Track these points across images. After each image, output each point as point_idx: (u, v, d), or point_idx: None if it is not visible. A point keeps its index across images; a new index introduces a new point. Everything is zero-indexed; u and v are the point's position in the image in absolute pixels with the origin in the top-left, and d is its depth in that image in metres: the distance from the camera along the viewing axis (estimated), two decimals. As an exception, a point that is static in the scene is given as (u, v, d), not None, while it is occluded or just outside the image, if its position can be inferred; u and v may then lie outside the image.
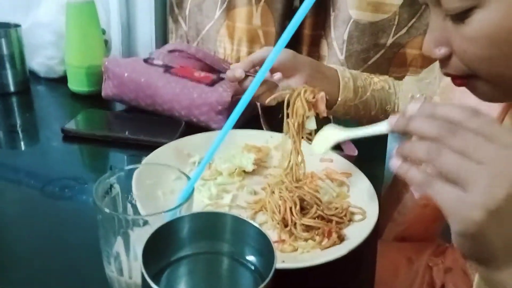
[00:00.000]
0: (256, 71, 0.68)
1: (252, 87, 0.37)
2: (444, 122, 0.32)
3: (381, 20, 0.77)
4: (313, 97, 0.55)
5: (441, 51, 0.43)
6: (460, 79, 0.45)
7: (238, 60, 0.99)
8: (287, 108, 0.56)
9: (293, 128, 0.56)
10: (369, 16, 0.76)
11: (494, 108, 0.54)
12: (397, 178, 0.76)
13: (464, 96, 0.60)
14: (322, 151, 0.49)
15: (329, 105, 0.72)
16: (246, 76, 0.66)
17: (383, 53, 0.81)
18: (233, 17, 0.94)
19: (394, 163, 0.35)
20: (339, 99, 0.71)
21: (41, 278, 0.46)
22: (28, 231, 0.53)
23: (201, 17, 0.98)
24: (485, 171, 0.30)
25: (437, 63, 0.73)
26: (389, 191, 0.78)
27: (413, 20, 0.79)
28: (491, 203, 0.30)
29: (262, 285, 0.27)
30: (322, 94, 0.55)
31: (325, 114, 0.55)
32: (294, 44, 0.92)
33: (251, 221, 0.32)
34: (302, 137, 0.56)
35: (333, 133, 0.48)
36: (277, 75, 0.66)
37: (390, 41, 0.80)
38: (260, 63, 0.67)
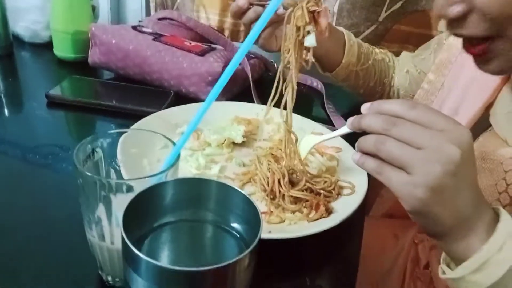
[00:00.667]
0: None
1: (242, 50, 0.35)
2: (387, 116, 0.36)
3: (372, -7, 0.75)
4: (317, 9, 0.49)
5: (458, 8, 0.40)
6: (477, 46, 0.42)
7: (221, 31, 0.95)
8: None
9: (292, 42, 0.50)
10: None
11: (492, 79, 0.52)
12: None
13: (458, 72, 0.59)
14: (304, 156, 0.54)
15: (333, 66, 0.71)
16: (248, 9, 0.63)
17: (375, 28, 0.79)
18: None
19: (354, 157, 0.40)
20: (343, 61, 0.70)
21: (24, 246, 0.45)
22: (10, 199, 0.51)
23: None
24: (422, 154, 0.34)
25: (433, 40, 0.72)
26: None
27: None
28: (429, 180, 0.33)
29: (246, 252, 0.27)
30: (326, 6, 0.51)
31: (326, 34, 0.51)
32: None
33: (237, 188, 0.31)
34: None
35: (309, 141, 0.54)
36: (281, 9, 0.62)
37: (382, 16, 0.77)
38: None
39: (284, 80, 0.53)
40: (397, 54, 0.82)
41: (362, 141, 0.38)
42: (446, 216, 0.35)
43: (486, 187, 0.47)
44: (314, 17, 0.50)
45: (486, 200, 0.38)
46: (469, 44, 0.44)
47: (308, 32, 0.50)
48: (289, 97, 0.53)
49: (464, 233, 0.36)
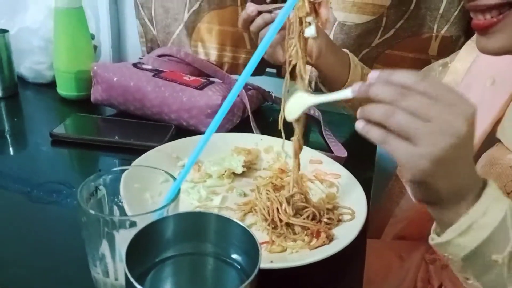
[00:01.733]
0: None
1: (241, 80, 0.36)
2: (397, 87, 0.36)
3: (367, 22, 0.77)
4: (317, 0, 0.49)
5: None
6: (492, 18, 0.43)
7: (220, 65, 0.97)
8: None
9: (296, 34, 0.50)
10: (355, 17, 0.76)
11: (499, 97, 0.54)
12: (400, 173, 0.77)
13: (466, 93, 0.60)
14: (294, 117, 0.49)
15: (338, 86, 0.72)
16: (258, 14, 0.63)
17: (368, 51, 0.81)
18: (212, 19, 0.93)
19: (358, 125, 0.39)
20: (348, 80, 0.71)
21: (28, 282, 0.45)
22: (14, 235, 0.52)
23: (168, 20, 0.95)
24: (430, 127, 0.35)
25: (436, 63, 0.73)
26: (393, 186, 0.79)
27: (401, 21, 0.78)
28: (434, 153, 0.35)
29: (246, 282, 0.27)
30: None
31: (327, 26, 0.51)
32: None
33: (236, 220, 0.32)
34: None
35: (303, 99, 0.48)
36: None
37: (376, 42, 0.80)
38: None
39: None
40: None
41: (369, 110, 0.38)
42: (444, 186, 0.37)
43: None
44: (314, 8, 0.50)
45: (476, 171, 0.40)
46: (481, 16, 0.45)
47: (309, 24, 0.50)
48: (301, 82, 0.52)
49: (456, 201, 0.38)
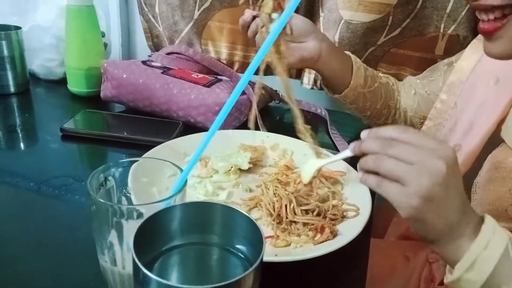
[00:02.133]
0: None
1: (242, 82, 0.37)
2: (384, 139, 0.42)
3: (373, 21, 0.77)
4: None
5: None
6: (496, 21, 0.44)
7: (230, 64, 0.98)
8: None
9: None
10: (361, 16, 0.76)
11: (503, 96, 0.55)
12: None
13: (471, 91, 0.61)
14: (307, 180, 0.57)
15: (341, 88, 0.72)
16: (253, 18, 0.66)
17: (373, 50, 0.81)
18: (223, 17, 0.93)
19: (359, 176, 0.45)
20: (351, 83, 0.71)
21: (39, 272, 0.46)
22: (24, 228, 0.53)
23: (176, 18, 0.95)
24: (414, 168, 0.39)
25: (442, 63, 0.74)
26: None
27: (407, 20, 0.78)
28: (421, 190, 0.39)
29: (250, 269, 0.28)
30: None
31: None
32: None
33: (241, 210, 0.33)
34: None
35: (314, 163, 0.57)
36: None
37: (381, 40, 0.79)
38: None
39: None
40: (395, 76, 0.84)
41: (363, 161, 0.44)
42: (438, 222, 0.40)
43: (500, 194, 0.50)
44: (280, 4, 0.52)
45: (471, 208, 0.42)
46: (484, 22, 0.46)
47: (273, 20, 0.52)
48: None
49: (454, 237, 0.40)
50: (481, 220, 0.41)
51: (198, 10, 0.92)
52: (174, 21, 0.96)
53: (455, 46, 0.79)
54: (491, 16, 0.45)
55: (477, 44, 0.62)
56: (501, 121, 0.56)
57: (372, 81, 0.74)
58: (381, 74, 0.78)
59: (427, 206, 0.39)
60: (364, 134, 0.45)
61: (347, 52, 0.75)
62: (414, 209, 0.40)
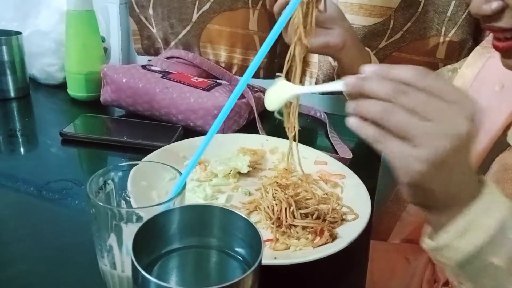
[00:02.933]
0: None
1: (240, 85, 0.38)
2: (397, 82, 0.34)
3: (374, 24, 0.77)
4: None
5: (493, 6, 0.42)
6: (507, 40, 0.43)
7: (229, 67, 0.98)
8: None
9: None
10: (362, 20, 0.76)
11: (509, 102, 0.55)
12: None
13: (475, 96, 0.61)
14: (274, 108, 0.44)
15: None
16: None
17: (374, 53, 0.81)
18: (222, 20, 0.93)
19: (351, 121, 0.36)
20: None
21: (39, 275, 0.46)
22: (24, 232, 0.53)
23: (172, 20, 0.92)
24: (431, 127, 0.33)
25: (446, 68, 0.74)
26: (400, 190, 0.79)
27: (409, 24, 0.79)
28: (433, 156, 0.33)
29: (249, 271, 0.28)
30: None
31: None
32: (280, 49, 0.93)
33: (239, 213, 0.33)
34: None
35: (285, 88, 0.44)
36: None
37: (383, 44, 0.80)
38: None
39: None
40: None
41: (364, 106, 0.35)
42: (439, 191, 0.35)
43: (509, 196, 0.49)
44: None
45: (475, 175, 0.37)
46: (498, 40, 0.45)
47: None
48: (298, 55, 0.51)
49: (452, 204, 0.36)
50: (482, 185, 0.37)
51: (197, 13, 0.91)
52: (170, 23, 0.94)
53: (456, 50, 0.80)
54: (506, 35, 0.44)
55: (480, 52, 0.63)
56: (507, 127, 0.56)
57: None
58: None
59: (434, 173, 0.34)
60: (369, 68, 0.36)
61: (367, 49, 0.75)
62: (419, 174, 0.34)
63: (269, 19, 0.89)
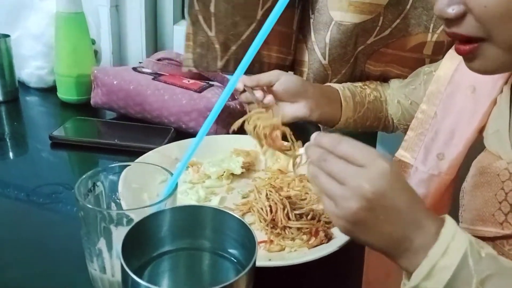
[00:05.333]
0: (261, 90, 0.70)
1: (226, 92, 0.37)
2: (322, 151, 0.41)
3: (364, 21, 0.76)
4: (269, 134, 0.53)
5: (454, 10, 0.43)
6: (467, 44, 0.44)
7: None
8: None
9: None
10: (352, 17, 0.75)
11: (482, 105, 0.55)
12: None
13: (449, 101, 0.61)
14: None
15: (332, 124, 0.76)
16: (244, 91, 0.68)
17: (362, 49, 0.80)
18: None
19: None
20: (341, 119, 0.74)
21: (28, 281, 0.45)
22: (13, 237, 0.52)
23: (237, 18, 0.77)
24: (342, 190, 0.38)
25: (422, 71, 0.74)
26: None
27: (398, 20, 0.78)
28: (347, 215, 0.38)
29: (242, 273, 0.27)
30: (277, 133, 0.54)
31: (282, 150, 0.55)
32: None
33: (232, 213, 0.32)
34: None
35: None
36: (268, 98, 0.68)
37: (371, 40, 0.79)
38: (266, 84, 0.69)
39: None
40: (383, 73, 0.84)
41: (307, 168, 0.43)
42: (374, 241, 0.39)
43: (487, 199, 0.49)
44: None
45: (424, 217, 0.39)
46: (460, 44, 0.46)
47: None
48: None
49: (402, 251, 0.39)
50: (442, 224, 0.39)
51: (262, 10, 0.78)
52: (234, 22, 0.77)
53: (443, 46, 0.79)
54: (465, 42, 0.45)
55: (452, 54, 0.63)
56: (482, 128, 0.56)
57: (361, 106, 0.77)
58: (368, 91, 0.78)
59: (356, 228, 0.39)
60: (313, 136, 0.44)
61: (335, 86, 0.76)
62: (344, 229, 0.39)
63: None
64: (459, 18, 0.43)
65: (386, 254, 0.40)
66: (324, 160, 0.40)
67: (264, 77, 0.69)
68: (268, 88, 0.70)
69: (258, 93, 0.68)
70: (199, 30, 0.78)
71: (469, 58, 0.46)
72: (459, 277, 0.36)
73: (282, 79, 0.69)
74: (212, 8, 0.76)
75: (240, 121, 0.55)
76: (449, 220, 0.39)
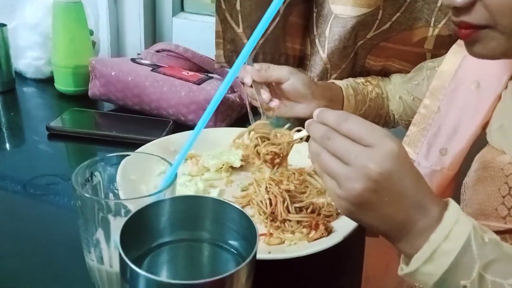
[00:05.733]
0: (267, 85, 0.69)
1: (225, 84, 0.37)
2: (326, 128, 0.39)
3: (363, 14, 0.75)
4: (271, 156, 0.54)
5: None
6: (471, 29, 0.44)
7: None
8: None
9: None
10: (351, 10, 0.74)
11: (486, 100, 0.55)
12: None
13: (453, 96, 0.61)
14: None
15: None
16: (252, 86, 0.67)
17: (362, 43, 0.80)
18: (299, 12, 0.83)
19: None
20: None
21: (25, 272, 0.45)
22: (10, 228, 0.52)
23: (258, 13, 0.80)
24: (347, 171, 0.36)
25: (425, 66, 0.74)
26: None
27: (398, 14, 0.77)
28: (351, 196, 0.36)
29: (243, 264, 0.27)
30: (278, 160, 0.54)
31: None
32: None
33: (232, 203, 0.32)
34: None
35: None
36: (274, 103, 0.67)
37: (371, 34, 0.78)
38: (275, 81, 0.68)
39: None
40: (383, 68, 0.83)
41: (309, 145, 0.41)
42: (376, 223, 0.38)
43: (490, 193, 0.49)
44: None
45: (429, 201, 0.38)
46: (463, 28, 0.45)
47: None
48: None
49: (404, 234, 0.38)
50: (445, 207, 0.38)
51: (284, 4, 0.80)
52: (258, 17, 0.80)
53: (445, 40, 0.79)
54: (469, 27, 0.45)
55: (456, 49, 0.62)
56: (485, 124, 0.56)
57: (362, 104, 0.76)
58: (370, 88, 0.78)
59: (359, 210, 0.37)
60: (315, 113, 0.42)
61: (338, 83, 0.75)
62: (346, 210, 0.38)
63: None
64: (468, 7, 0.43)
65: (387, 236, 0.39)
66: (328, 138, 0.38)
67: (274, 74, 0.68)
68: (276, 85, 0.69)
69: (265, 95, 0.67)
70: (228, 28, 0.81)
71: (471, 42, 0.45)
72: (461, 262, 0.35)
73: (292, 80, 0.68)
74: (238, 6, 0.79)
75: (242, 135, 0.56)
76: (452, 204, 0.38)
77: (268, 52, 0.85)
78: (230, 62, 0.82)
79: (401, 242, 0.38)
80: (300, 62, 0.89)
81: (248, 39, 0.79)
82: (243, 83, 0.69)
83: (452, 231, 0.36)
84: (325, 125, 0.39)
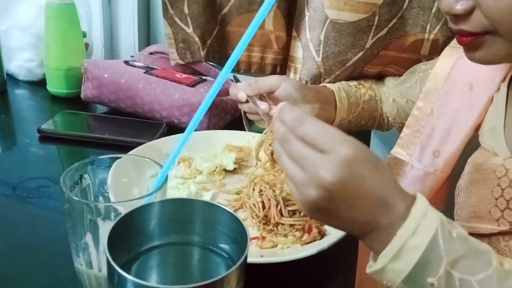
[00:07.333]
0: (261, 97, 0.69)
1: (215, 85, 0.36)
2: (284, 128, 0.37)
3: (359, 20, 0.76)
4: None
5: (463, 6, 0.42)
6: (471, 36, 0.44)
7: (248, 67, 0.94)
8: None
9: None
10: (347, 15, 0.75)
11: (479, 102, 0.55)
12: None
13: (446, 98, 0.61)
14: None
15: (329, 123, 0.74)
16: (247, 101, 0.67)
17: (362, 55, 0.80)
18: (239, 22, 0.88)
19: None
20: (336, 119, 0.73)
21: (13, 276, 0.44)
22: (1, 230, 0.51)
23: (207, 15, 0.86)
24: (302, 177, 0.36)
25: (418, 69, 0.74)
26: None
27: (394, 20, 0.78)
28: (306, 202, 0.36)
29: (233, 268, 0.26)
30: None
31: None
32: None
33: (223, 206, 0.31)
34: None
35: None
36: (263, 105, 0.66)
37: (369, 42, 0.79)
38: (267, 91, 0.68)
39: None
40: (380, 74, 0.84)
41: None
42: (337, 225, 0.38)
43: (483, 195, 0.49)
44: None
45: (394, 198, 0.36)
46: (461, 36, 0.45)
47: None
48: None
49: (368, 232, 0.37)
50: (413, 202, 0.36)
51: (221, 11, 0.86)
52: (207, 20, 0.86)
53: (440, 46, 0.79)
54: (469, 35, 0.44)
55: (450, 51, 0.63)
56: (478, 126, 0.56)
57: (355, 107, 0.76)
58: (363, 90, 0.78)
59: (317, 214, 0.37)
60: (279, 106, 0.40)
61: (330, 86, 0.75)
62: (307, 213, 0.38)
63: (284, 18, 0.87)
64: (467, 14, 0.42)
65: (353, 236, 0.39)
66: (286, 141, 0.37)
67: (265, 85, 0.68)
68: (267, 95, 0.69)
69: (264, 105, 0.66)
70: (178, 29, 0.86)
71: (472, 48, 0.45)
72: (429, 258, 0.34)
73: (283, 86, 0.67)
74: (185, 10, 0.84)
75: (257, 148, 0.54)
76: (420, 198, 0.37)
77: (217, 51, 0.90)
78: (184, 59, 0.86)
79: (367, 240, 0.37)
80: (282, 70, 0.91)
81: (199, 38, 0.86)
82: (238, 101, 0.69)
83: (420, 226, 0.35)
84: (285, 125, 0.38)
